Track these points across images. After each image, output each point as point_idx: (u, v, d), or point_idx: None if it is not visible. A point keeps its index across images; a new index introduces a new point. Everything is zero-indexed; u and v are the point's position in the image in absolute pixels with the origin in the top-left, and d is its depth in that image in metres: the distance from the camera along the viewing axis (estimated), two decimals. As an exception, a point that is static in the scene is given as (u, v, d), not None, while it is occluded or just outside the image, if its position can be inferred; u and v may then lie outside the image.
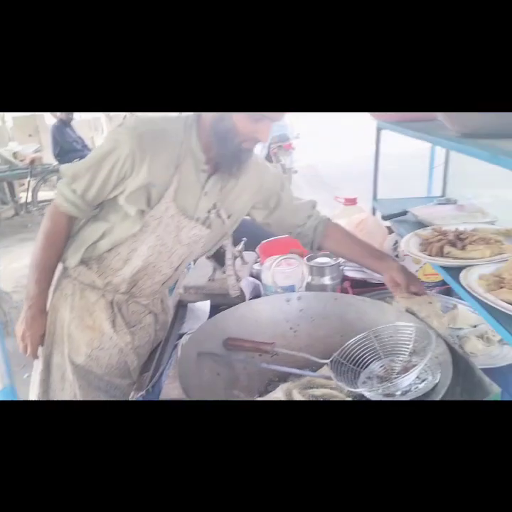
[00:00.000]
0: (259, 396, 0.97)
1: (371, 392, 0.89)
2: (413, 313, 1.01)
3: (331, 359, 0.97)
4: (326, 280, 1.40)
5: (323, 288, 1.40)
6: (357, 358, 0.97)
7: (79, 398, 1.26)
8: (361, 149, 5.02)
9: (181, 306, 1.61)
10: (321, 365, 0.99)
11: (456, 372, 0.84)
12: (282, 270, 1.44)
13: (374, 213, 1.96)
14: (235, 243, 1.72)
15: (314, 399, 0.95)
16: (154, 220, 1.11)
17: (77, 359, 1.24)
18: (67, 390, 1.26)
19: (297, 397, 0.95)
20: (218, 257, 1.56)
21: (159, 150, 1.05)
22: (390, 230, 1.65)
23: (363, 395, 0.90)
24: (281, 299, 1.14)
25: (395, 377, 0.91)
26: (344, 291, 1.42)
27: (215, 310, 1.53)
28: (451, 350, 0.91)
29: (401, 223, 1.54)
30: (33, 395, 1.30)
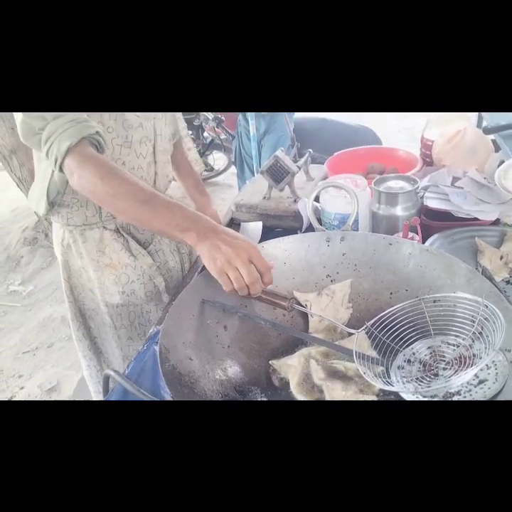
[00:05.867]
0: (270, 359, 0.80)
1: (405, 386, 0.67)
2: (491, 279, 0.73)
3: (362, 329, 0.75)
4: (398, 210, 1.11)
5: (392, 220, 1.12)
6: (398, 331, 0.73)
7: (123, 340, 1.22)
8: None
9: (234, 225, 1.45)
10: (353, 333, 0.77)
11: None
12: (343, 194, 1.17)
13: (479, 125, 1.50)
14: (300, 155, 1.46)
15: (333, 373, 0.76)
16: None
17: (112, 300, 1.16)
18: (109, 333, 1.22)
19: (314, 368, 0.77)
20: (274, 172, 1.33)
21: None
22: (497, 148, 1.24)
23: (390, 383, 0.68)
24: (321, 238, 0.91)
25: (448, 374, 0.66)
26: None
27: (269, 232, 1.35)
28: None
29: (508, 139, 1.13)
30: (82, 351, 1.28)
